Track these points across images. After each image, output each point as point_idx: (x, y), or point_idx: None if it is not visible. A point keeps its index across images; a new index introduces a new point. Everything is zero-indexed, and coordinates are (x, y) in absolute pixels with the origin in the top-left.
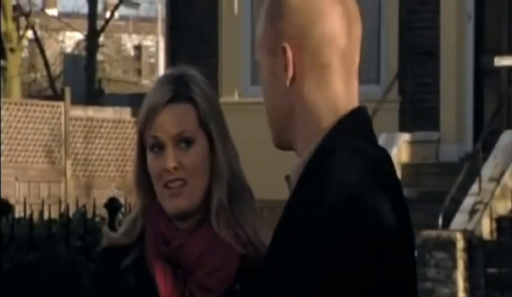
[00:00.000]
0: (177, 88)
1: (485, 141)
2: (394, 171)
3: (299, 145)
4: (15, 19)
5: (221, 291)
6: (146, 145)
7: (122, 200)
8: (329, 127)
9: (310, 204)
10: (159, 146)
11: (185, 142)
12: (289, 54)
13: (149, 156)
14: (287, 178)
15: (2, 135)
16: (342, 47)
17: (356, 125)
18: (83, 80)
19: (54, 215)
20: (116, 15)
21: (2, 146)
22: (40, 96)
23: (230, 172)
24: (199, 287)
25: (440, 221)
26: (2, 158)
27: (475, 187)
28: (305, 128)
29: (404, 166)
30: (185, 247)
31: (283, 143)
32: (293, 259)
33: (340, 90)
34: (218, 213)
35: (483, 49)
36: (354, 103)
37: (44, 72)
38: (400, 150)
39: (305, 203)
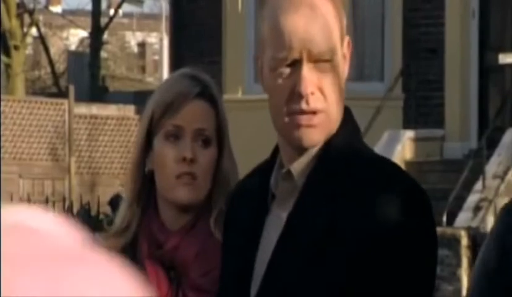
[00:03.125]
0: (202, 85)
1: (489, 138)
2: None
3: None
4: (19, 16)
5: (215, 291)
6: (157, 133)
7: None
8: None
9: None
10: (176, 136)
11: (203, 140)
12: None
13: (162, 144)
14: (288, 173)
15: (7, 132)
16: None
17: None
18: (87, 78)
19: (58, 212)
20: (120, 12)
21: (7, 144)
22: (44, 93)
23: (233, 182)
24: (192, 288)
25: (444, 218)
26: (6, 156)
27: (479, 185)
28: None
29: (408, 164)
30: (179, 249)
31: None
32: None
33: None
34: (217, 220)
35: (488, 46)
36: None
37: (48, 70)
38: (404, 147)
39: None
